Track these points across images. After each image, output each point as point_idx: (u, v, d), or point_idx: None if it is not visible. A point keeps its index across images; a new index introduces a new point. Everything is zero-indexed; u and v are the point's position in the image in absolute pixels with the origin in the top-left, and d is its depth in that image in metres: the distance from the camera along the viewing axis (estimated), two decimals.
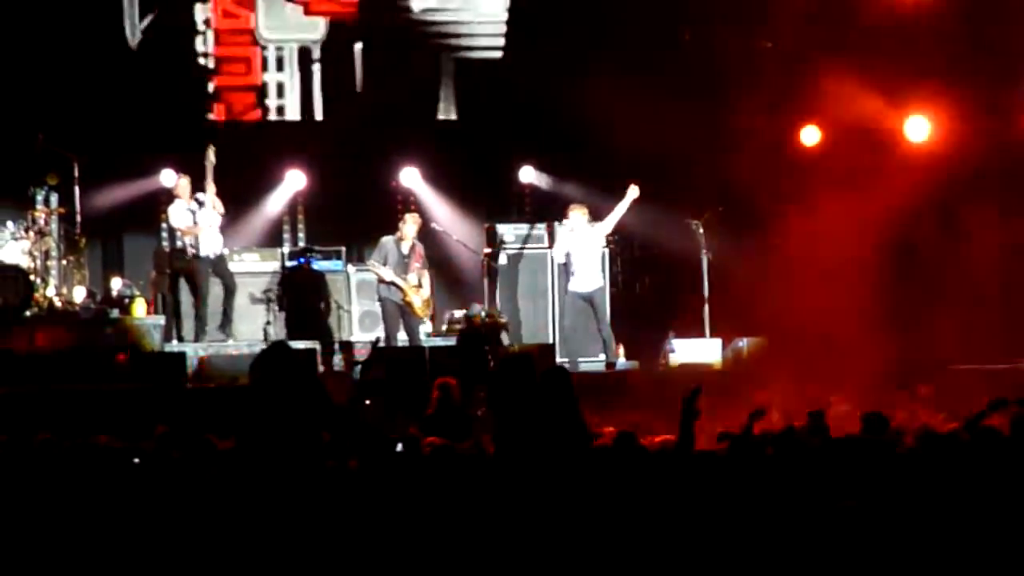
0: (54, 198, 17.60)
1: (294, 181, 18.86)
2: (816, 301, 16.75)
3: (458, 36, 19.92)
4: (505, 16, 19.84)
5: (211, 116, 19.56)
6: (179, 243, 17.41)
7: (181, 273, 17.20)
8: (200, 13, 19.43)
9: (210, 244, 16.90)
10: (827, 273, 17.16)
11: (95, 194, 18.16)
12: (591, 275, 16.77)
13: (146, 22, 19.09)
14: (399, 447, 7.32)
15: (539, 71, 19.28)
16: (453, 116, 19.87)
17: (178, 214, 16.94)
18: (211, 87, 19.57)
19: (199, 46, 19.46)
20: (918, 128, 18.37)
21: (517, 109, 19.30)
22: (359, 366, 15.90)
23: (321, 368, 16.40)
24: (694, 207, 18.00)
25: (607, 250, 17.29)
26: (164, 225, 18.92)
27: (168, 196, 18.08)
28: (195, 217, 16.87)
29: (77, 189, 17.77)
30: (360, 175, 18.76)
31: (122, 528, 7.18)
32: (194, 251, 16.85)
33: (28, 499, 7.46)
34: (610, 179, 18.53)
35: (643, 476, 7.34)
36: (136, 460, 7.85)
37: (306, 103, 19.69)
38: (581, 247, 16.75)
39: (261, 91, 19.65)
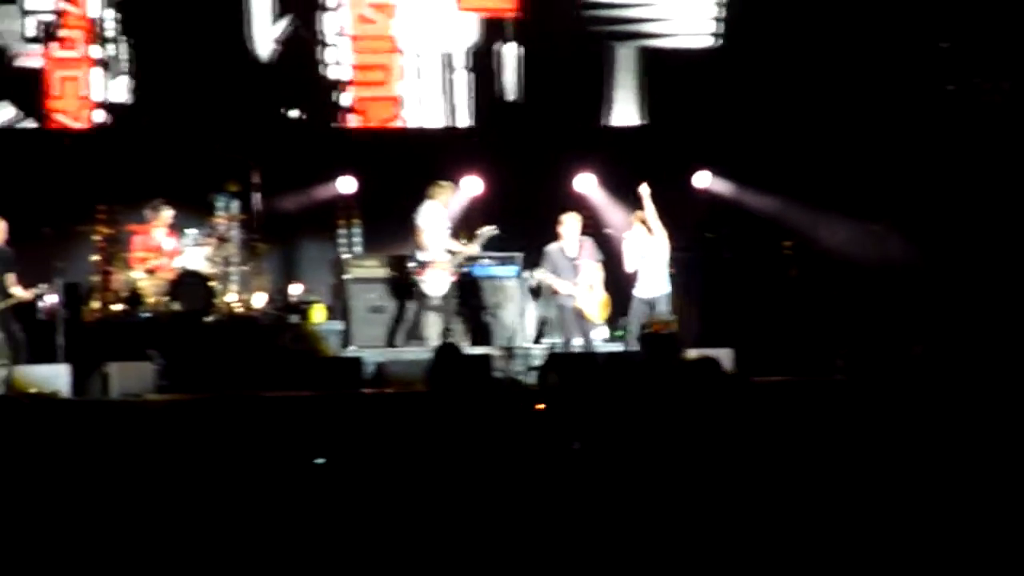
0: (235, 205, 17.86)
1: (471, 187, 18.82)
2: None
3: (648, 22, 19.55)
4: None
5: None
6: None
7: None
8: (330, 23, 18.94)
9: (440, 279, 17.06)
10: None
11: (274, 201, 18.35)
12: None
13: (277, 32, 18.86)
14: (576, 445, 7.26)
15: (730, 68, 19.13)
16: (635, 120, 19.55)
17: (433, 217, 17.03)
18: (347, 99, 19.05)
19: (328, 57, 18.97)
20: None
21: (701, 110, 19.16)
22: (535, 373, 15.85)
23: (498, 375, 16.36)
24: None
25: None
26: (342, 231, 19.06)
27: (345, 202, 18.29)
28: (446, 225, 17.10)
29: (257, 196, 18.00)
30: (536, 180, 18.64)
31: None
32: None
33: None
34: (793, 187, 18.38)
35: None
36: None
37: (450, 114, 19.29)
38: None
39: (399, 102, 19.14)
